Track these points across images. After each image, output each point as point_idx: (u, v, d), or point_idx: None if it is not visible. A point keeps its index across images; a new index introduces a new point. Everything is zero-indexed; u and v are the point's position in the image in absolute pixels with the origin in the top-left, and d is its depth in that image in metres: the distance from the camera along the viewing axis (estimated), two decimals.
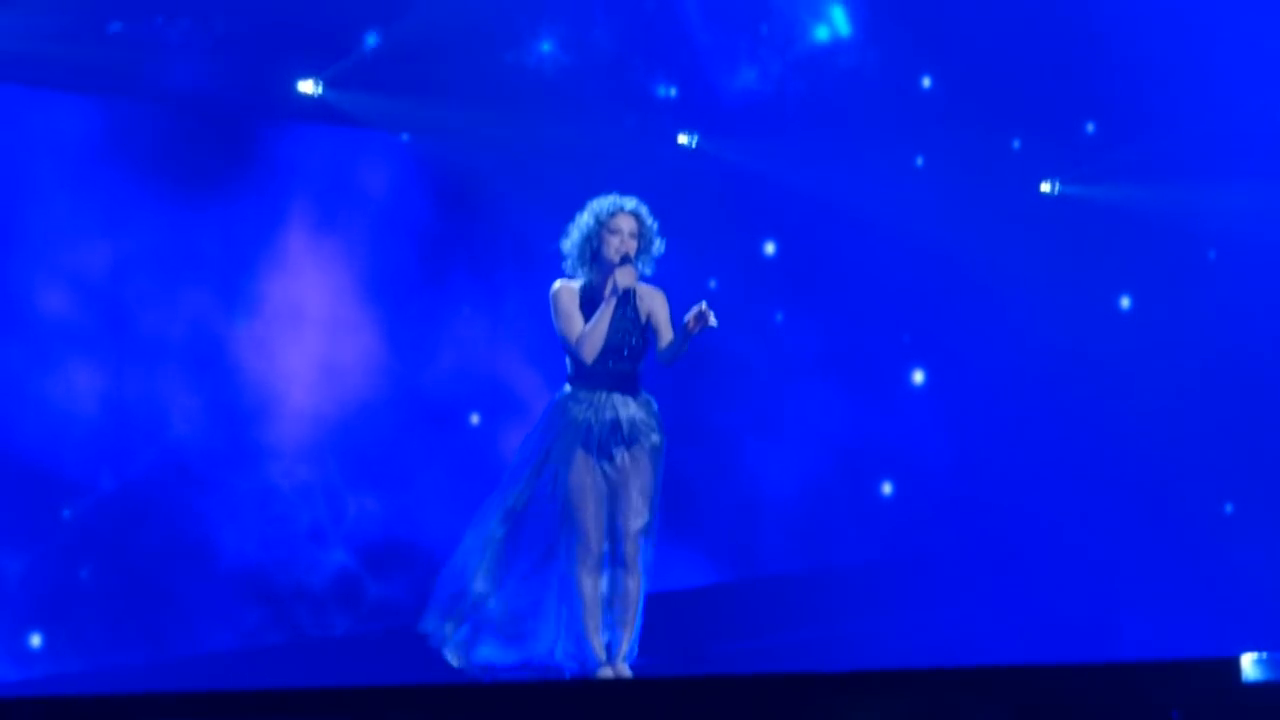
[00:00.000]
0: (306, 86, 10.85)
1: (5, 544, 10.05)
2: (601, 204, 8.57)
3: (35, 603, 10.13)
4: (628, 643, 8.43)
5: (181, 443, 10.60)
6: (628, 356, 8.51)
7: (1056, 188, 13.23)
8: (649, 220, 8.59)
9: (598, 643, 8.40)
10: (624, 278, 8.43)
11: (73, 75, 10.22)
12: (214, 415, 10.74)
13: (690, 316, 8.31)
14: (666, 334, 8.55)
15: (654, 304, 8.58)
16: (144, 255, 10.53)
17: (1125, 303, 13.40)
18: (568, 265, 8.59)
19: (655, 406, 8.55)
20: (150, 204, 10.51)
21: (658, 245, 8.60)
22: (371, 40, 11.03)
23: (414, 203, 11.45)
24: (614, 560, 8.45)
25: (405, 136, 11.43)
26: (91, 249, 10.37)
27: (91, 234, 10.36)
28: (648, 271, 8.60)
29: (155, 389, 10.54)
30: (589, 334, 8.42)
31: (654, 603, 8.58)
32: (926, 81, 12.91)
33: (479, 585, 8.48)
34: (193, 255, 10.67)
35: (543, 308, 8.67)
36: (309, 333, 11.09)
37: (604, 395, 8.49)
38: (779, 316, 12.73)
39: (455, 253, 11.55)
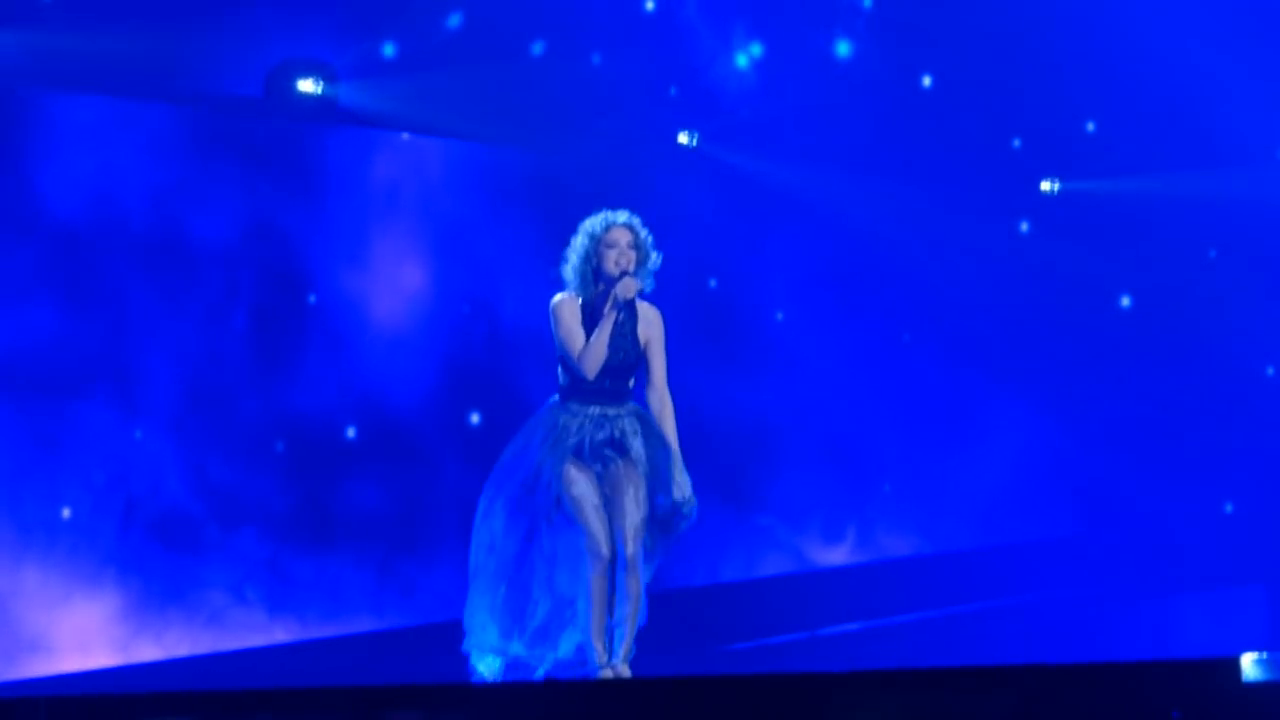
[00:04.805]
0: (308, 86, 10.86)
1: (6, 543, 10.06)
2: (594, 222, 8.55)
3: (37, 601, 10.13)
4: (628, 643, 8.43)
5: (182, 440, 10.60)
6: (621, 373, 8.50)
7: (1056, 187, 13.23)
8: (643, 232, 8.56)
9: (600, 644, 8.41)
10: (625, 290, 8.42)
11: (122, 80, 10.30)
12: (213, 414, 10.74)
13: (679, 488, 8.37)
14: (658, 370, 8.54)
15: (652, 330, 8.56)
16: (147, 257, 10.54)
17: (1125, 302, 13.40)
18: (570, 288, 8.56)
19: (646, 414, 8.53)
20: (164, 207, 10.54)
21: (655, 258, 8.58)
22: (389, 49, 11.10)
23: (415, 202, 11.45)
24: (614, 562, 8.45)
25: (405, 136, 11.44)
26: (100, 251, 10.39)
27: (104, 234, 10.38)
28: (648, 288, 8.57)
29: (157, 387, 10.54)
30: (591, 348, 8.40)
31: (654, 602, 8.57)
32: (927, 81, 12.92)
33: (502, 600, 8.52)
34: (194, 256, 10.67)
35: (542, 305, 8.65)
36: (307, 332, 11.09)
37: (596, 409, 8.49)
38: (779, 316, 12.73)
39: (455, 251, 11.55)
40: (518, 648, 8.53)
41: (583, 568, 8.47)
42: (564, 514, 8.48)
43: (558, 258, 8.60)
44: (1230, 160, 12.87)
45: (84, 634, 10.20)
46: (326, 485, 11.14)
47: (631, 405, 8.53)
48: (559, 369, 8.55)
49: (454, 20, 11.33)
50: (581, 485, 8.43)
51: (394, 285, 11.37)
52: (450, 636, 8.85)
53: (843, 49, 12.64)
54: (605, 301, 8.46)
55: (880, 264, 12.86)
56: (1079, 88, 12.95)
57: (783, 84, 12.55)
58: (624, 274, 8.44)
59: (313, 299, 11.14)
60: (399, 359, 11.33)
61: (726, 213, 12.46)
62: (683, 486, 8.48)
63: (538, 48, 11.49)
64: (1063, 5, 12.73)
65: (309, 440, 11.07)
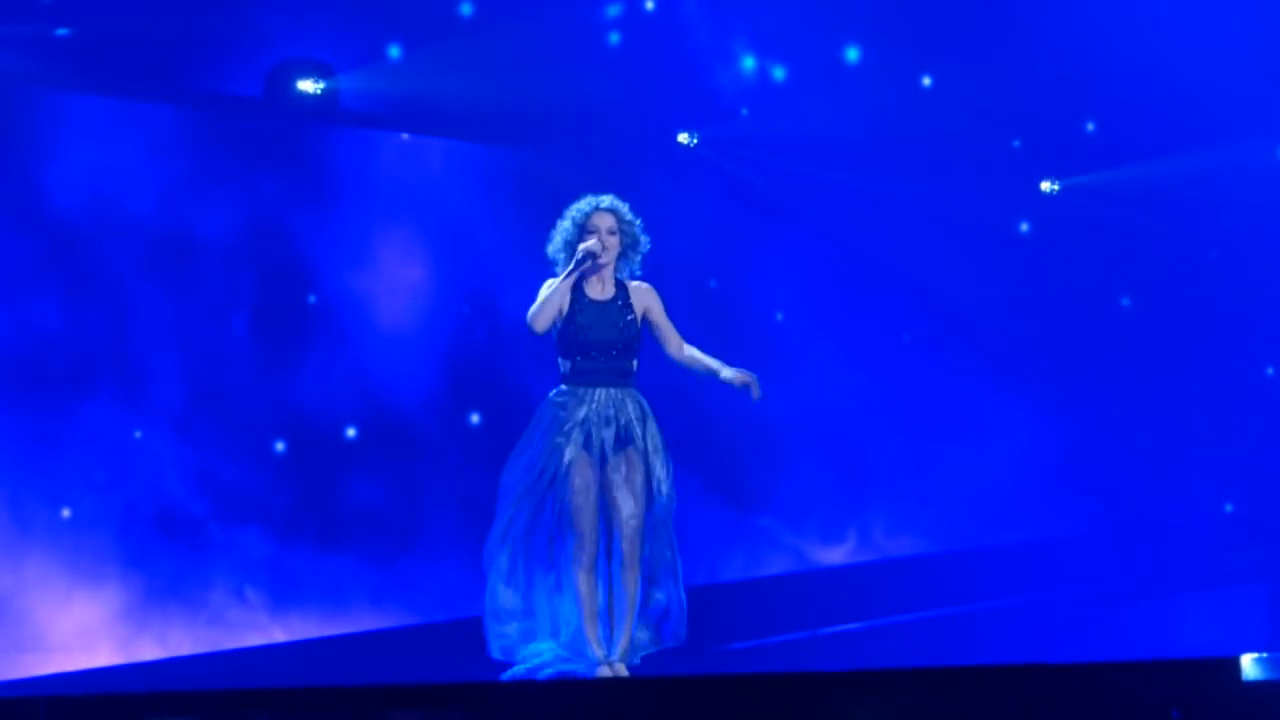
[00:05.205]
0: (308, 85, 10.86)
1: (7, 542, 10.06)
2: (578, 206, 8.58)
3: (38, 600, 10.13)
4: (626, 640, 8.42)
5: (183, 439, 10.61)
6: (620, 353, 8.50)
7: (1056, 187, 13.23)
8: (628, 215, 8.57)
9: (595, 641, 8.40)
10: (585, 244, 8.41)
11: (124, 82, 10.34)
12: (214, 413, 10.75)
13: (737, 377, 8.37)
14: (669, 331, 8.58)
15: (648, 301, 8.57)
16: (148, 257, 10.55)
17: (1125, 302, 13.40)
18: (557, 270, 8.59)
19: (648, 405, 8.55)
20: (165, 206, 10.56)
21: (643, 242, 8.59)
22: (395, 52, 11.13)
23: (416, 202, 11.45)
24: (611, 558, 8.45)
25: (405, 136, 11.44)
26: (102, 250, 10.40)
27: (106, 233, 10.40)
28: (637, 269, 8.59)
29: (159, 385, 10.55)
30: (542, 303, 8.41)
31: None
32: (927, 81, 12.92)
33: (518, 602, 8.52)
34: (195, 256, 10.69)
35: None
36: (308, 331, 11.10)
37: (601, 393, 8.49)
38: (779, 316, 12.73)
39: (456, 251, 11.55)
40: (545, 645, 8.53)
41: (570, 563, 8.47)
42: (557, 506, 8.48)
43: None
44: (1230, 160, 12.88)
45: (85, 633, 10.20)
46: (327, 485, 11.14)
47: (634, 390, 8.53)
48: (558, 359, 8.56)
49: (455, 20, 11.33)
50: (581, 479, 8.43)
51: (394, 284, 11.37)
52: (451, 636, 8.87)
53: (843, 49, 12.64)
54: (589, 284, 8.48)
55: (880, 264, 12.86)
56: (1079, 88, 12.95)
57: (782, 84, 12.55)
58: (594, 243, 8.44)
59: (313, 299, 11.15)
60: (400, 358, 11.33)
61: (726, 213, 12.46)
62: (740, 375, 8.47)
63: (537, 48, 11.48)
64: (1062, 5, 12.73)
65: (310, 439, 11.07)
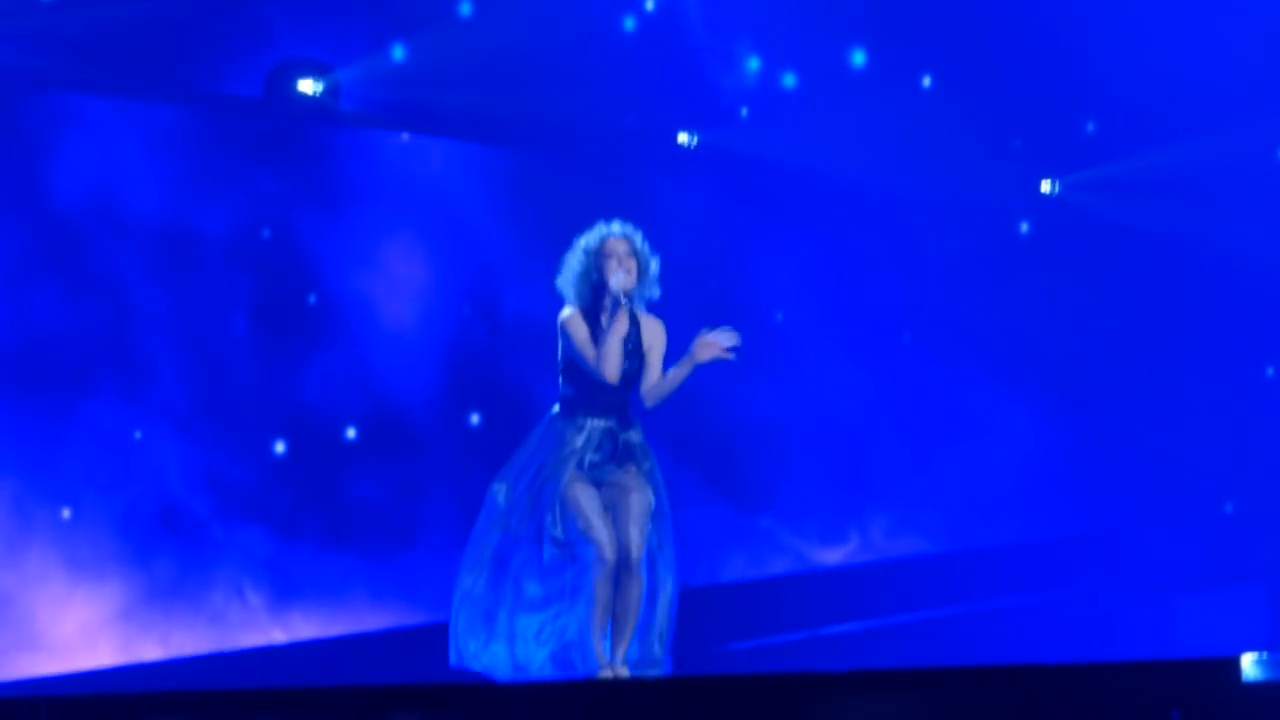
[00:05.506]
0: (308, 86, 10.88)
1: (7, 542, 10.07)
2: (589, 238, 8.52)
3: (39, 600, 10.14)
4: (626, 644, 8.43)
5: (185, 438, 10.61)
6: (624, 386, 8.49)
7: (1056, 188, 13.24)
8: (639, 241, 8.53)
9: (600, 644, 8.41)
10: (617, 285, 8.37)
11: (125, 81, 10.36)
12: (215, 413, 10.75)
13: (709, 348, 8.36)
14: (656, 372, 8.52)
15: (655, 337, 8.54)
16: (149, 256, 10.56)
17: (1125, 302, 13.40)
18: (568, 300, 8.54)
19: (640, 425, 8.55)
20: (167, 206, 10.57)
21: (654, 265, 8.56)
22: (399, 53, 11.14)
23: (416, 203, 11.46)
24: (617, 564, 8.45)
25: (405, 136, 11.45)
26: (104, 248, 10.41)
27: (108, 232, 10.41)
28: (654, 295, 8.56)
29: (160, 385, 10.55)
30: (606, 354, 8.37)
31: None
32: (927, 81, 12.92)
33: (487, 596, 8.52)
34: (197, 256, 10.70)
35: (543, 306, 8.65)
36: (308, 332, 11.10)
37: (600, 422, 8.47)
38: (779, 316, 12.73)
39: (456, 251, 11.56)
40: (497, 650, 8.54)
41: (565, 575, 8.47)
42: (548, 529, 8.47)
43: (558, 258, 8.60)
44: (1230, 160, 12.88)
45: (86, 633, 10.21)
46: (328, 484, 11.15)
47: (634, 420, 8.52)
48: (560, 380, 8.54)
49: (455, 21, 11.34)
50: (586, 496, 8.43)
51: (395, 284, 11.37)
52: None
53: (843, 51, 12.64)
54: (613, 312, 8.43)
55: (880, 264, 12.86)
56: (1079, 88, 12.95)
57: (781, 84, 12.55)
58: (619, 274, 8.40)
59: (313, 298, 11.15)
60: (400, 358, 11.34)
61: (726, 213, 12.47)
62: (709, 347, 8.44)
63: (538, 47, 11.49)
64: (1063, 5, 12.73)
65: (310, 439, 11.08)
